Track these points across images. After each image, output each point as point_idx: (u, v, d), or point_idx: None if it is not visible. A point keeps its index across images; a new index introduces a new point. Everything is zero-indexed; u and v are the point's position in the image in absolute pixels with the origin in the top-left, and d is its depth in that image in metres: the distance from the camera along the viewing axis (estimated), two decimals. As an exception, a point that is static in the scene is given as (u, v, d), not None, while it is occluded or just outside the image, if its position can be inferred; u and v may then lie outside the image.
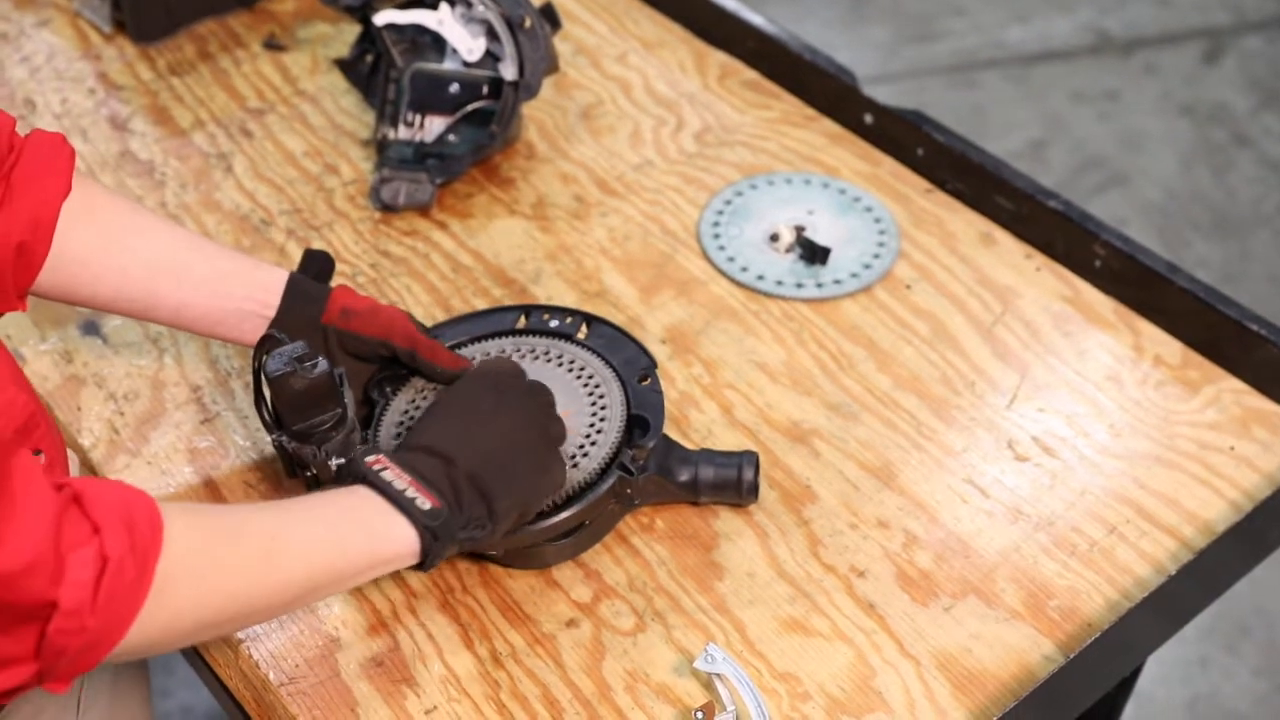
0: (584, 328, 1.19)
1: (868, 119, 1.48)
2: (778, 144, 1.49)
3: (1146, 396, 1.24)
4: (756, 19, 1.57)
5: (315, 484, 1.08)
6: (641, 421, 1.12)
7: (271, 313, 1.13)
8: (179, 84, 1.58)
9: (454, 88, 1.40)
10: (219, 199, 1.45)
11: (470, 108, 1.40)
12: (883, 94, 1.48)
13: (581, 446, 1.10)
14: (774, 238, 1.38)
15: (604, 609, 1.10)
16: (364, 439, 1.12)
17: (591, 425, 1.11)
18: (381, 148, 1.42)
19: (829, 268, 1.35)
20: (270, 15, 1.66)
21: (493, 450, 1.00)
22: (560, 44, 1.62)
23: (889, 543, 1.13)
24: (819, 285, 1.34)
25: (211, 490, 1.18)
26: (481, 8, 1.39)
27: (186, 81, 1.58)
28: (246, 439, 1.22)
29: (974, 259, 1.36)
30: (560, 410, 1.08)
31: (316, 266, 1.20)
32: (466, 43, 1.40)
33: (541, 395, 1.07)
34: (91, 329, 1.32)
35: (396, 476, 0.97)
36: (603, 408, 1.12)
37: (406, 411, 1.14)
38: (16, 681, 0.82)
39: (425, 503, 0.96)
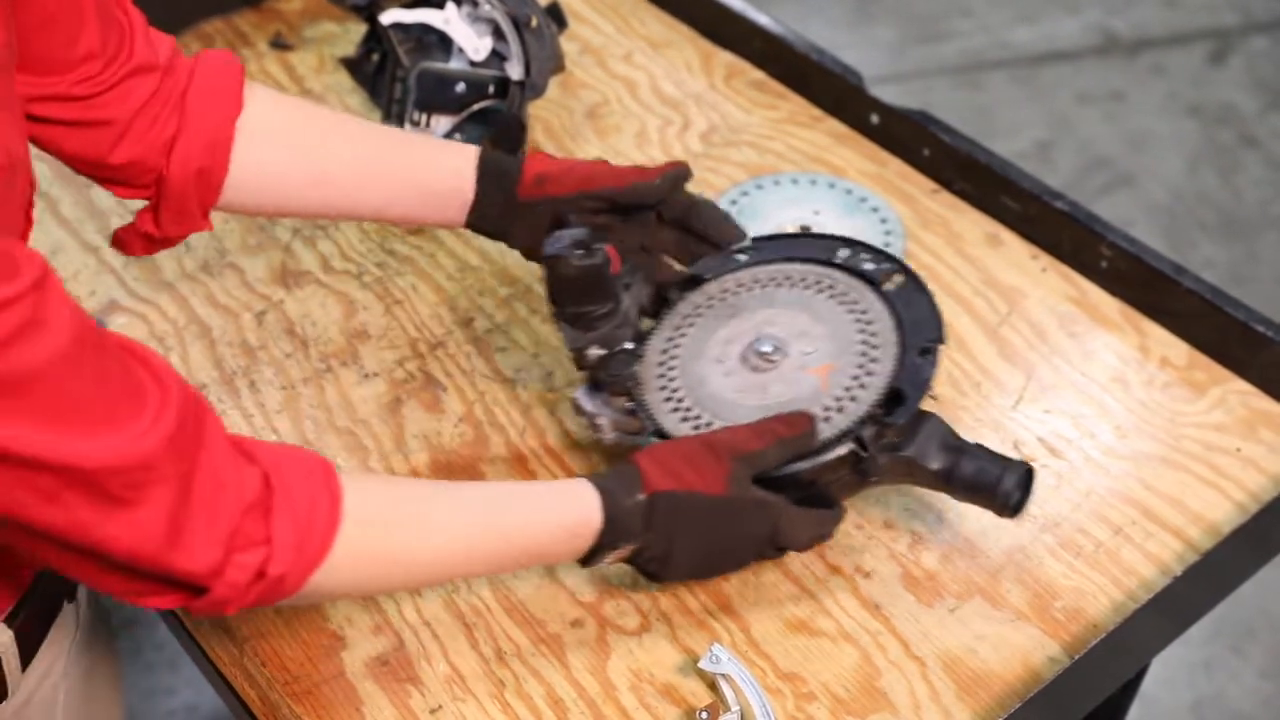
0: (896, 279, 1.11)
1: (874, 119, 1.48)
2: (784, 144, 1.49)
3: (1153, 398, 1.24)
4: (763, 19, 1.57)
5: (579, 365, 1.12)
6: (900, 396, 1.04)
7: (468, 195, 1.12)
8: (185, 83, 1.58)
9: (460, 87, 1.39)
10: (225, 198, 1.45)
11: (476, 107, 1.39)
12: (889, 94, 1.48)
13: (828, 408, 1.04)
14: (780, 238, 1.38)
15: (609, 608, 1.10)
16: (637, 346, 1.11)
17: (847, 389, 1.05)
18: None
19: (835, 268, 1.35)
20: (277, 14, 1.66)
21: (692, 569, 1.05)
22: (566, 43, 1.61)
23: (894, 543, 1.13)
24: (825, 285, 1.34)
25: (217, 489, 1.18)
26: (488, 7, 1.38)
27: (193, 80, 1.58)
28: (252, 437, 1.22)
29: (980, 259, 1.36)
30: (828, 361, 1.06)
31: (508, 138, 1.28)
32: (473, 42, 1.39)
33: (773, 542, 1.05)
34: (97, 327, 1.32)
35: (617, 554, 1.00)
36: (868, 373, 1.05)
37: (679, 328, 1.11)
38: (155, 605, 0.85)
39: (608, 561, 1.00)
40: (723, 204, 1.42)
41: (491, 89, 1.39)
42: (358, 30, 1.63)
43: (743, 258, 1.16)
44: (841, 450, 1.02)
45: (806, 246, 1.16)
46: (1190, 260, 2.67)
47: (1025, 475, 1.04)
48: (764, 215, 1.41)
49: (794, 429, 1.02)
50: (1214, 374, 1.25)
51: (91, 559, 0.80)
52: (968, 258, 1.36)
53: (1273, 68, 3.15)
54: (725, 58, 1.60)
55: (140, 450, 0.77)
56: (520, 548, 0.97)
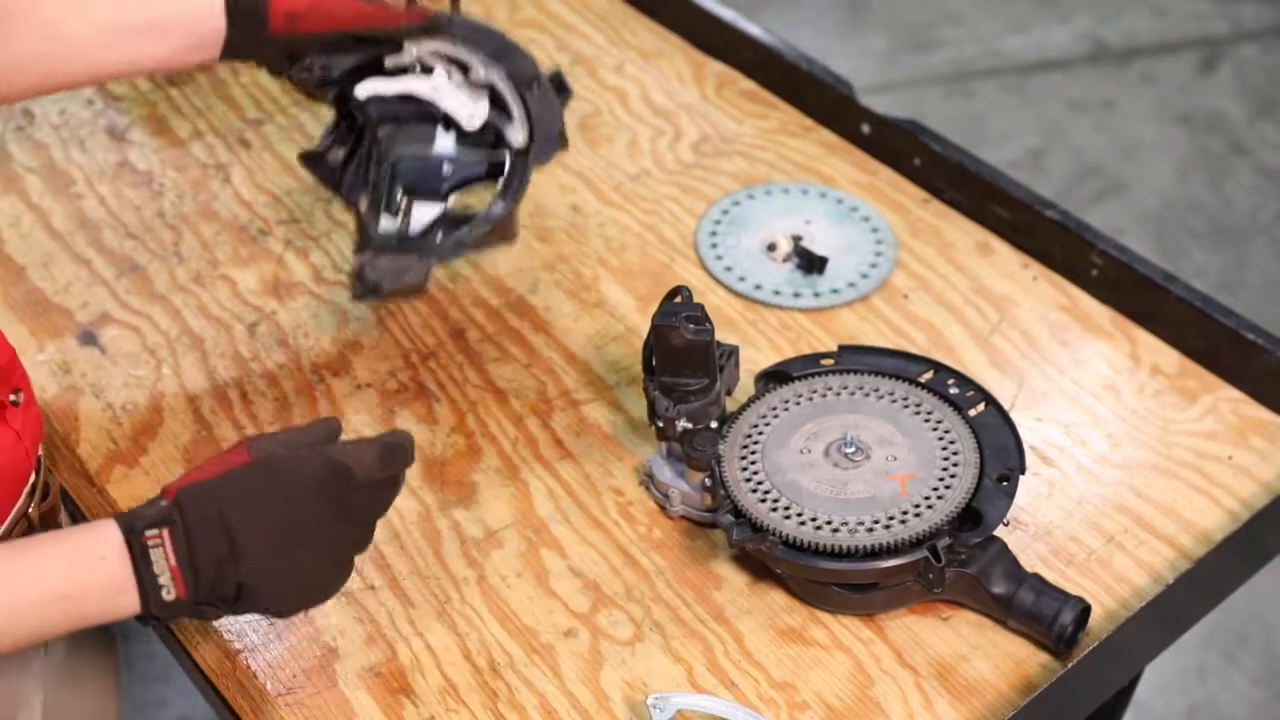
0: (980, 406, 1.14)
1: (865, 129, 1.48)
2: (775, 154, 1.49)
3: (1144, 406, 1.24)
4: (754, 29, 1.57)
5: (661, 435, 1.13)
6: (975, 515, 1.07)
7: (219, 36, 1.14)
8: (177, 94, 1.58)
9: (446, 168, 1.22)
10: (217, 209, 1.45)
11: (462, 193, 1.22)
12: (880, 103, 1.48)
13: (905, 512, 1.06)
14: (771, 247, 1.38)
15: (602, 619, 1.10)
16: (721, 426, 1.12)
17: (926, 498, 1.07)
18: (361, 227, 1.22)
19: (826, 277, 1.35)
20: None
21: (287, 572, 0.94)
22: (558, 54, 1.62)
23: (887, 552, 1.13)
24: (816, 295, 1.34)
25: (209, 500, 1.18)
26: (482, 70, 1.20)
27: (185, 92, 1.58)
28: (244, 449, 1.22)
29: (971, 268, 1.36)
30: (910, 471, 1.08)
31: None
32: (467, 108, 1.21)
33: (367, 511, 0.98)
34: (89, 339, 1.32)
35: (165, 556, 0.90)
36: (947, 487, 1.07)
37: (765, 416, 1.14)
38: None
39: (171, 592, 0.90)
40: (714, 213, 1.42)
41: (485, 170, 1.22)
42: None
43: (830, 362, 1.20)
44: (916, 555, 1.04)
45: (893, 362, 1.19)
46: (1181, 268, 2.68)
47: (1082, 613, 1.05)
48: (756, 225, 1.41)
49: (315, 423, 1.02)
50: (1205, 381, 1.26)
51: None
52: (959, 266, 1.37)
53: (1262, 76, 3.16)
54: (716, 68, 1.60)
55: None
56: (35, 598, 0.89)
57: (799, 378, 1.18)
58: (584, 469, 1.20)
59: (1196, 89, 3.13)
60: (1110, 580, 1.11)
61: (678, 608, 1.10)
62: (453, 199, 1.21)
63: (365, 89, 1.21)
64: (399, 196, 1.20)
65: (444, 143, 1.22)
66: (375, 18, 1.16)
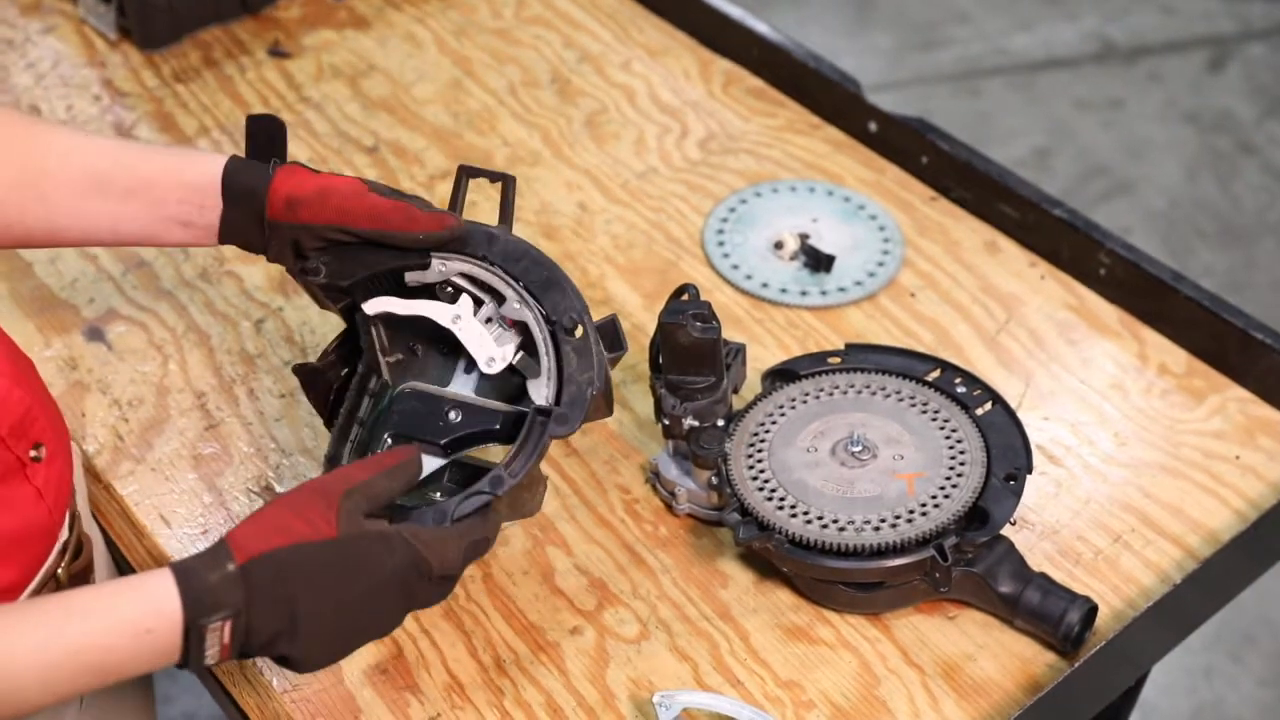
0: (987, 405, 1.13)
1: (872, 126, 1.48)
2: (782, 151, 1.49)
3: (1151, 405, 1.24)
4: (761, 26, 1.57)
5: (667, 433, 1.12)
6: (982, 515, 1.06)
7: (215, 210, 1.01)
8: (184, 91, 1.58)
9: (453, 415, 1.05)
10: (224, 205, 1.45)
11: (467, 451, 1.06)
12: (887, 101, 1.48)
13: (912, 511, 1.06)
14: (778, 245, 1.38)
15: (608, 616, 1.09)
16: (727, 424, 1.12)
17: (933, 497, 1.07)
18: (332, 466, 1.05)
19: (833, 275, 1.35)
20: (275, 22, 1.67)
21: (335, 650, 0.90)
22: (565, 51, 1.62)
23: (893, 551, 1.13)
24: (823, 293, 1.34)
25: (216, 496, 1.18)
26: (517, 305, 1.02)
27: (191, 88, 1.58)
28: (250, 446, 1.22)
29: (978, 267, 1.36)
30: (916, 470, 1.08)
31: (265, 137, 1.04)
32: (489, 349, 1.03)
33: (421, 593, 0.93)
34: (96, 335, 1.32)
35: (220, 639, 0.85)
36: (954, 486, 1.07)
37: (771, 415, 1.14)
38: None
39: (214, 659, 0.85)
40: (721, 211, 1.42)
41: (498, 425, 1.05)
42: (355, 39, 1.63)
43: (836, 360, 1.19)
44: (922, 554, 1.04)
45: (900, 361, 1.19)
46: (1189, 267, 2.67)
47: (1089, 612, 1.05)
48: (762, 223, 1.41)
49: (399, 457, 0.95)
50: (1213, 381, 1.25)
51: None
52: (966, 265, 1.36)
53: (1270, 75, 3.15)
54: (723, 65, 1.60)
55: None
56: (75, 668, 0.82)
57: (806, 376, 1.17)
58: (590, 467, 1.20)
59: (1205, 88, 3.12)
60: (1117, 580, 1.11)
61: (684, 606, 1.10)
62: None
63: (376, 305, 1.04)
64: (385, 442, 1.05)
65: (461, 384, 1.08)
66: (395, 219, 1.00)
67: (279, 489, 1.18)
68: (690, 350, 1.09)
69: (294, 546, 0.86)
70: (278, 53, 1.63)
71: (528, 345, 1.04)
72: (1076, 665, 1.02)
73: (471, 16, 1.67)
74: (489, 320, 1.04)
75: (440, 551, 0.92)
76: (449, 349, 1.08)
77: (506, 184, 1.06)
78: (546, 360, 1.01)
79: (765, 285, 1.35)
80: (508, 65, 1.61)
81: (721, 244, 1.39)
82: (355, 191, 1.01)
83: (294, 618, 0.86)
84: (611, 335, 1.03)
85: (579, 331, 1.01)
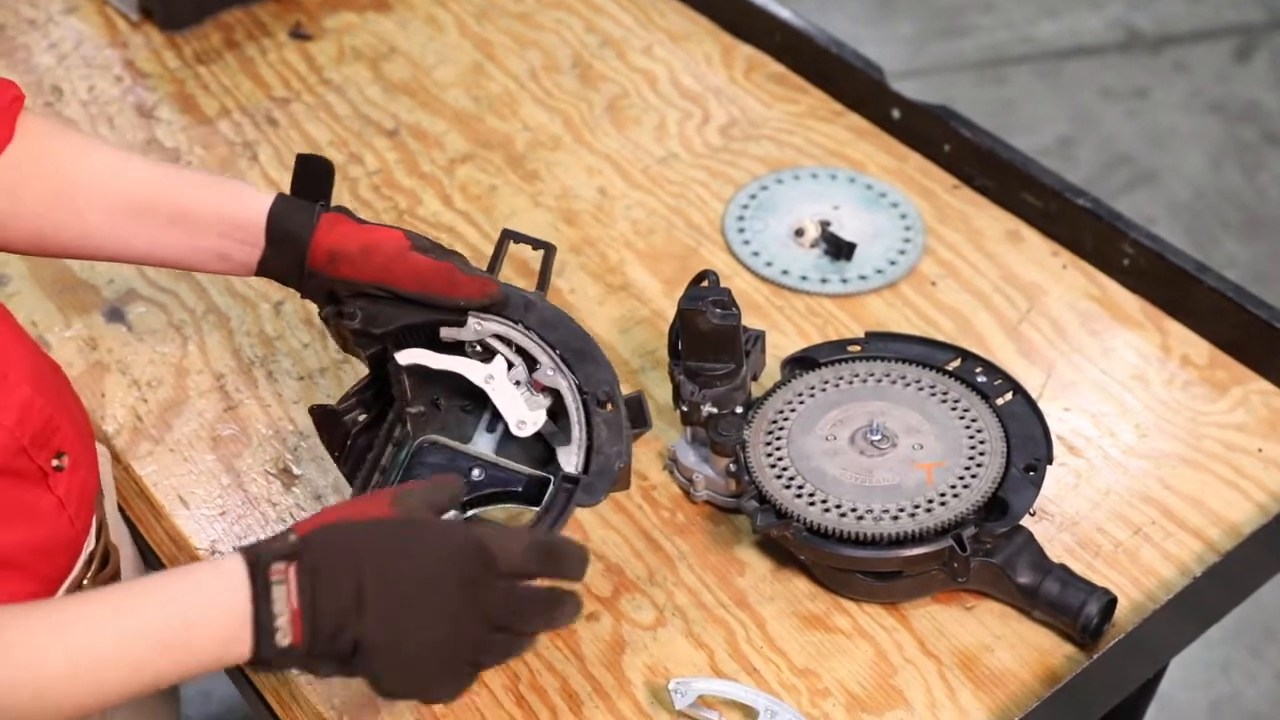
0: (1008, 395, 1.12)
1: (895, 114, 1.47)
2: (804, 138, 1.48)
3: (1173, 397, 1.23)
4: (784, 12, 1.56)
5: (686, 419, 1.11)
6: (1001, 505, 1.06)
7: (255, 249, 1.03)
8: (205, 72, 1.58)
9: (476, 472, 1.04)
10: (244, 187, 1.45)
11: (484, 509, 1.06)
12: (910, 89, 1.47)
13: (931, 500, 1.06)
14: (799, 233, 1.37)
15: (624, 603, 1.09)
16: (746, 412, 1.11)
17: (952, 487, 1.06)
18: None
19: (854, 263, 1.34)
20: (296, 4, 1.66)
21: (406, 640, 0.85)
22: (586, 35, 1.61)
23: (911, 540, 1.12)
24: (844, 281, 1.33)
25: (234, 478, 1.18)
26: (551, 371, 1.05)
27: (213, 70, 1.58)
28: (269, 428, 1.22)
29: (1000, 256, 1.35)
30: (936, 460, 1.07)
31: (313, 177, 1.05)
32: (520, 411, 1.04)
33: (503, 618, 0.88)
34: (116, 315, 1.32)
35: (288, 595, 0.82)
36: (973, 476, 1.06)
37: (790, 402, 1.13)
38: None
39: (286, 636, 0.82)
40: (742, 198, 1.42)
41: (521, 488, 1.05)
42: (377, 21, 1.63)
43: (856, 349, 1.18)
44: (941, 544, 1.03)
45: (920, 350, 1.18)
46: (1213, 258, 2.66)
47: (1108, 604, 1.04)
48: (784, 210, 1.40)
49: (442, 479, 0.96)
50: (1235, 373, 1.25)
51: None
52: (988, 254, 1.36)
53: (1298, 65, 3.13)
54: (745, 51, 1.59)
55: None
56: (157, 644, 0.81)
57: (825, 364, 1.17)
58: (608, 452, 1.20)
59: (1231, 77, 3.10)
60: (1137, 572, 1.10)
61: (700, 593, 1.10)
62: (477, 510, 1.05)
63: (409, 356, 1.04)
64: None
65: (483, 442, 1.07)
66: (437, 283, 1.02)
67: (296, 471, 1.18)
68: (710, 337, 1.09)
69: (354, 523, 0.86)
70: (299, 35, 1.62)
71: (552, 411, 1.06)
72: (1095, 657, 1.01)
73: (493, 0, 1.67)
74: (517, 383, 1.06)
75: (502, 543, 0.87)
76: (472, 406, 1.09)
77: (547, 252, 1.12)
78: (577, 429, 1.03)
79: (785, 272, 1.34)
80: (529, 49, 1.60)
81: (742, 230, 1.38)
82: (399, 251, 1.02)
83: (359, 582, 0.83)
84: (637, 411, 1.05)
85: (609, 406, 1.03)
